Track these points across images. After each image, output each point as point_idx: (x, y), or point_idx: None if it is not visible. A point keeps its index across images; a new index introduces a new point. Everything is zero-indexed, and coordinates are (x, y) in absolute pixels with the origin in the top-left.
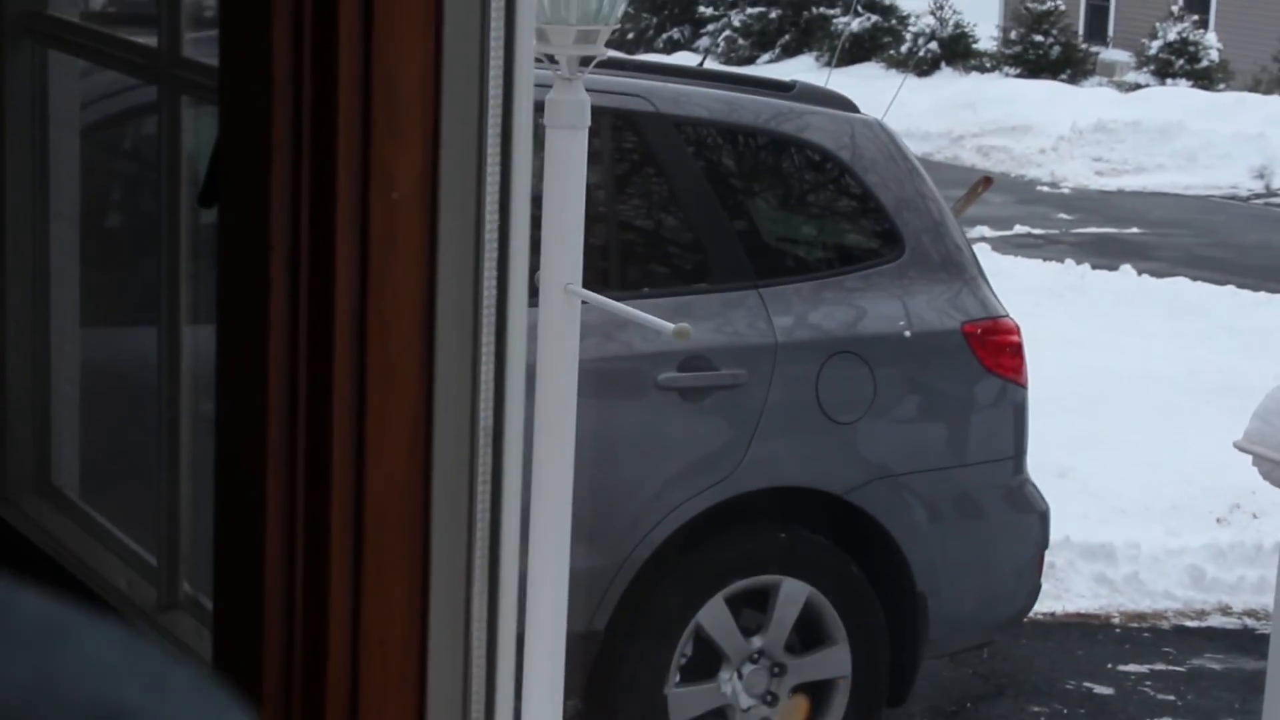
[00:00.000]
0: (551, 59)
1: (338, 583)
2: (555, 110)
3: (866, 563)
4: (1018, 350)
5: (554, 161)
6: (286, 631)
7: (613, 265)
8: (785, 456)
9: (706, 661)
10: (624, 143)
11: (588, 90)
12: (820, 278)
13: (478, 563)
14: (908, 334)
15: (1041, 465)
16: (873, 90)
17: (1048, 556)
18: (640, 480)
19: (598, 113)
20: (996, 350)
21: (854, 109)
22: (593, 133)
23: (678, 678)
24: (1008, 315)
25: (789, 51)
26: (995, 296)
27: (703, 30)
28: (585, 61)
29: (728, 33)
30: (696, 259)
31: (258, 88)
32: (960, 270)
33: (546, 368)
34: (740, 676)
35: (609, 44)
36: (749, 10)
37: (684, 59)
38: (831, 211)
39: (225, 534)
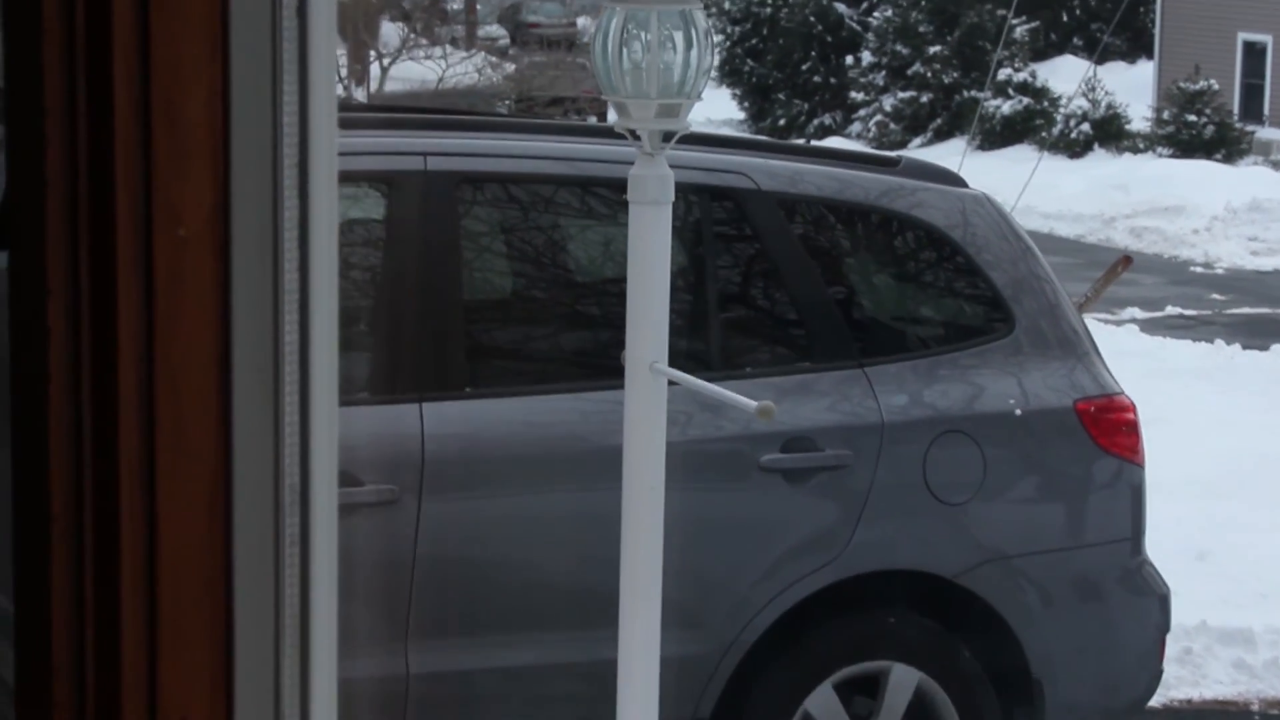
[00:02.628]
0: (634, 134)
1: (130, 654)
2: (638, 185)
3: (980, 648)
4: (1133, 428)
5: (637, 237)
6: (78, 709)
7: (714, 345)
8: (893, 539)
9: None
10: (725, 220)
11: (689, 168)
12: (928, 355)
13: (287, 627)
14: (1019, 412)
15: (1181, 548)
16: (1023, 172)
17: (1185, 642)
18: (744, 564)
19: (698, 190)
20: (1111, 428)
21: (962, 183)
22: (693, 210)
23: None
24: (1123, 393)
25: (940, 135)
26: (1110, 373)
27: (854, 115)
28: (668, 137)
29: (879, 117)
30: (800, 338)
31: (33, 118)
32: (1073, 347)
33: (633, 449)
34: None
35: (762, 130)
36: (900, 95)
37: (837, 144)
38: (940, 289)
39: (18, 604)
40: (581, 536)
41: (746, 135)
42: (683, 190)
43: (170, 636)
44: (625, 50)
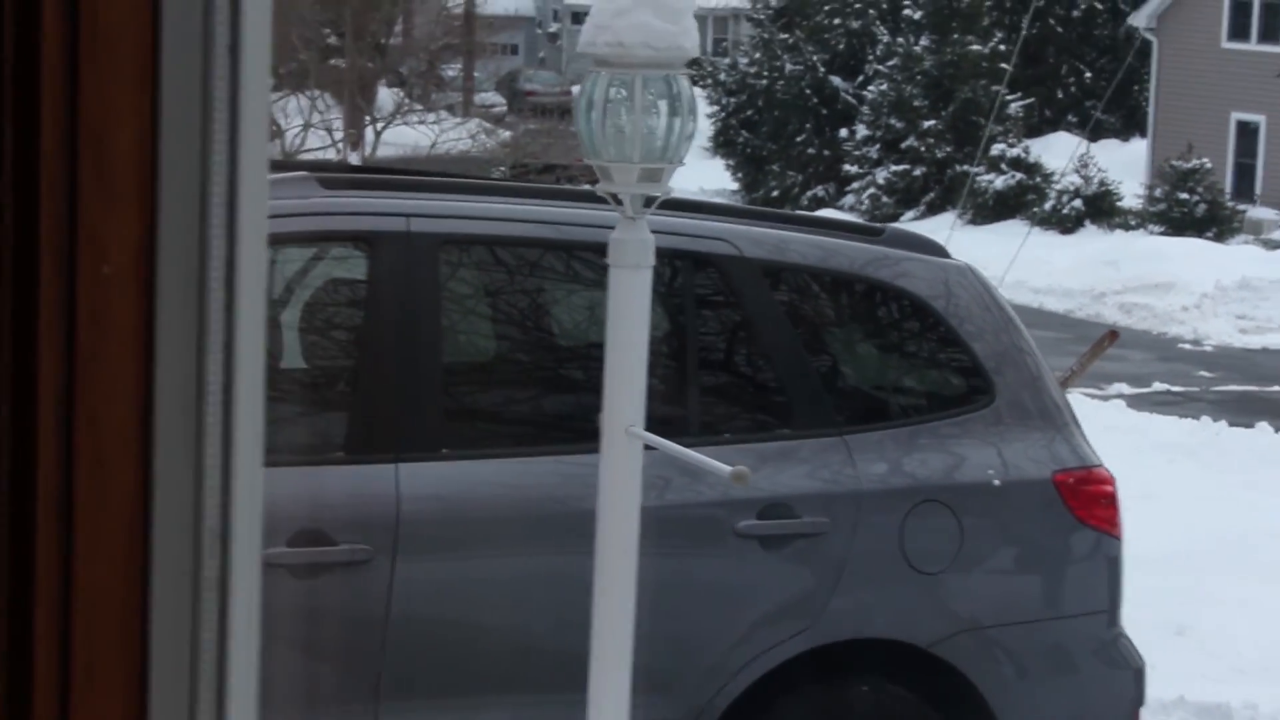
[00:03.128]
0: (616, 198)
1: (42, 699)
2: (618, 250)
3: (954, 718)
4: (1111, 500)
5: (617, 301)
6: None
7: (693, 411)
8: (869, 607)
9: None
10: (707, 286)
11: (673, 234)
12: (908, 424)
13: (204, 674)
14: (997, 483)
15: (1160, 622)
16: (1014, 247)
17: (1162, 717)
18: (718, 630)
19: (681, 256)
20: (1089, 500)
21: (946, 254)
22: (676, 276)
23: None
24: (1102, 465)
25: (933, 209)
26: (1089, 445)
27: (847, 188)
28: (649, 201)
29: (872, 190)
30: (780, 405)
31: None
32: (1053, 418)
33: (607, 512)
34: None
35: (755, 201)
36: (893, 168)
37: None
38: (922, 358)
39: None
40: (556, 599)
41: (731, 203)
42: (666, 256)
43: (84, 681)
44: (609, 115)
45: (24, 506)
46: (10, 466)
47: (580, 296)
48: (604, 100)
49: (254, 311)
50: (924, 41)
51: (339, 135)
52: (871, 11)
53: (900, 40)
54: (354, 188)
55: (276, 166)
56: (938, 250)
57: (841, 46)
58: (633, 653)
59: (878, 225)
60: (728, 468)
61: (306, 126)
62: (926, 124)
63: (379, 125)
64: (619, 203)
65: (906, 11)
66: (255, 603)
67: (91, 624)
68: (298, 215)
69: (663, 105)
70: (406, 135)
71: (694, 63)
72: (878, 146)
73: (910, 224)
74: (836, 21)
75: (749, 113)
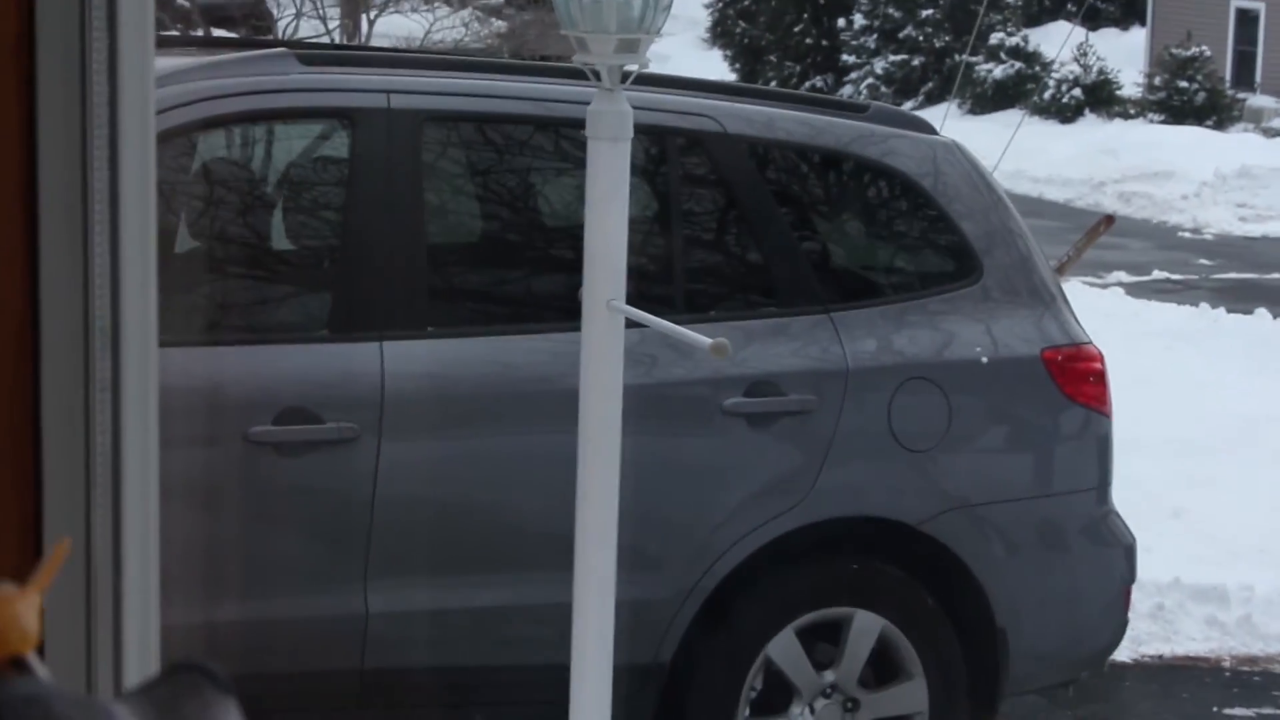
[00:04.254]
0: (595, 72)
1: None
2: (596, 122)
3: (943, 596)
4: (1101, 378)
5: (595, 173)
6: None
7: (678, 289)
8: (857, 485)
9: (778, 695)
10: (691, 163)
11: (656, 110)
12: (894, 302)
13: (98, 476)
14: (984, 360)
15: (1157, 506)
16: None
17: (1157, 598)
18: (706, 508)
19: (664, 132)
20: (1078, 378)
21: (932, 130)
22: (657, 153)
23: (748, 712)
24: (1090, 342)
25: (931, 99)
26: (1078, 323)
27: (845, 78)
28: (628, 74)
29: (870, 80)
30: (765, 283)
31: None
32: (1041, 297)
33: (590, 388)
34: (813, 711)
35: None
36: (891, 58)
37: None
38: (909, 236)
39: None
40: (542, 477)
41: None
42: (649, 132)
43: None
44: None
45: None
46: None
47: (564, 173)
48: None
49: (137, 84)
50: None
51: (334, 24)
52: None
53: None
54: (333, 64)
55: (257, 45)
56: (925, 127)
57: None
58: (620, 532)
59: (862, 102)
60: (707, 340)
61: (299, 15)
62: (925, 13)
63: (373, 14)
64: (596, 75)
65: None
66: (151, 405)
67: None
68: (276, 91)
69: None
70: (399, 25)
71: None
72: (875, 36)
73: None
74: None
75: (746, 2)
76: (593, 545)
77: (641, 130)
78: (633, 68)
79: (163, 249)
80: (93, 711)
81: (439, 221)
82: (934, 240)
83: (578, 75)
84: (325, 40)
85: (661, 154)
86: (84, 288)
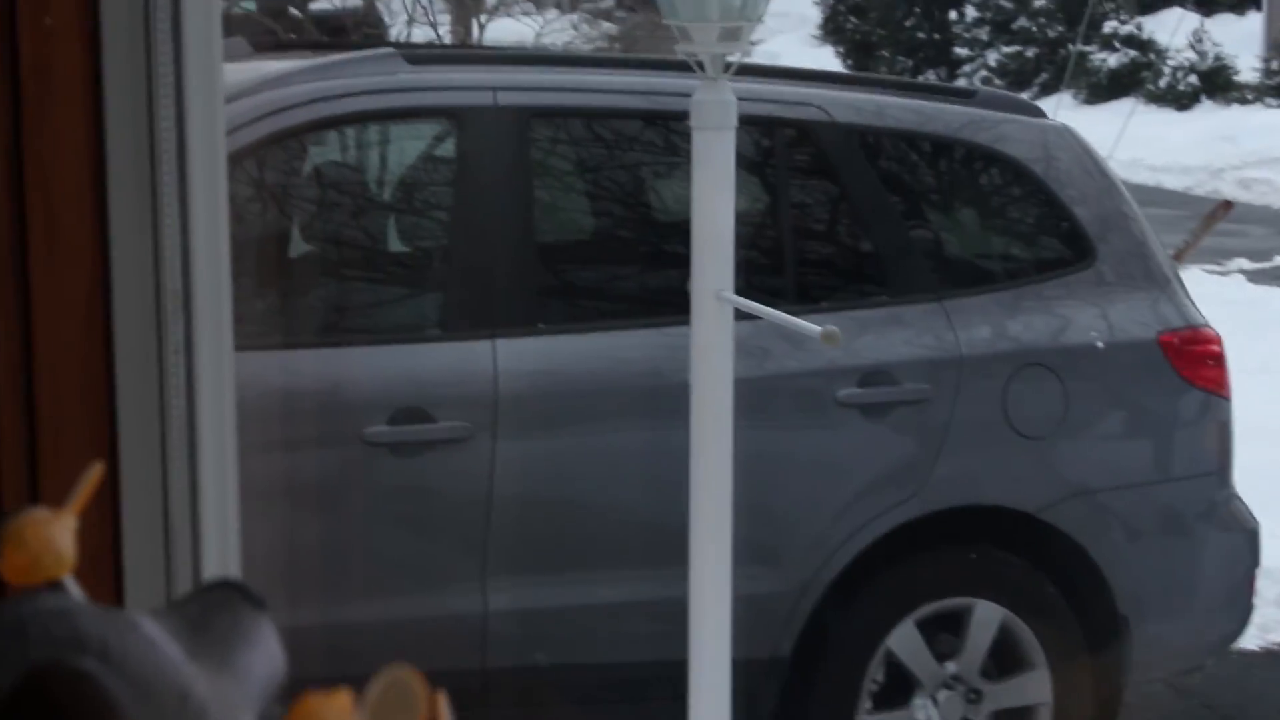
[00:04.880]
0: (699, 62)
1: (9, 467)
2: (700, 111)
3: (1064, 584)
4: (1219, 361)
5: (701, 164)
6: None
7: (789, 280)
8: (974, 474)
9: (899, 688)
10: (799, 153)
11: (762, 101)
12: (1008, 289)
13: (173, 440)
14: (1100, 345)
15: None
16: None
17: None
18: (821, 500)
19: (771, 123)
20: (1195, 361)
21: (1042, 114)
22: (767, 144)
23: (869, 705)
24: (1208, 325)
25: (1046, 90)
26: (1195, 306)
27: (958, 71)
28: (730, 63)
29: (983, 73)
30: (877, 272)
31: None
32: (1156, 279)
33: (700, 379)
34: (935, 703)
35: None
36: (1004, 50)
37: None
38: (1021, 222)
39: None
40: (656, 472)
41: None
42: (757, 123)
43: (50, 448)
44: None
45: None
46: None
47: (672, 166)
48: None
49: (204, 54)
50: None
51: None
52: None
53: None
54: (439, 63)
55: (363, 47)
56: (1034, 111)
57: None
58: (736, 526)
59: (970, 87)
60: (817, 328)
61: (410, 22)
62: (1037, 3)
63: (483, 19)
64: (700, 65)
65: None
66: (226, 368)
67: (56, 389)
68: (383, 91)
69: None
70: (510, 30)
71: None
72: (988, 28)
73: None
74: None
75: None
76: (707, 539)
77: (749, 121)
78: (735, 56)
79: (277, 253)
80: (120, 625)
81: (547, 218)
82: (1047, 226)
83: (683, 68)
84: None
85: (769, 145)
86: (154, 251)
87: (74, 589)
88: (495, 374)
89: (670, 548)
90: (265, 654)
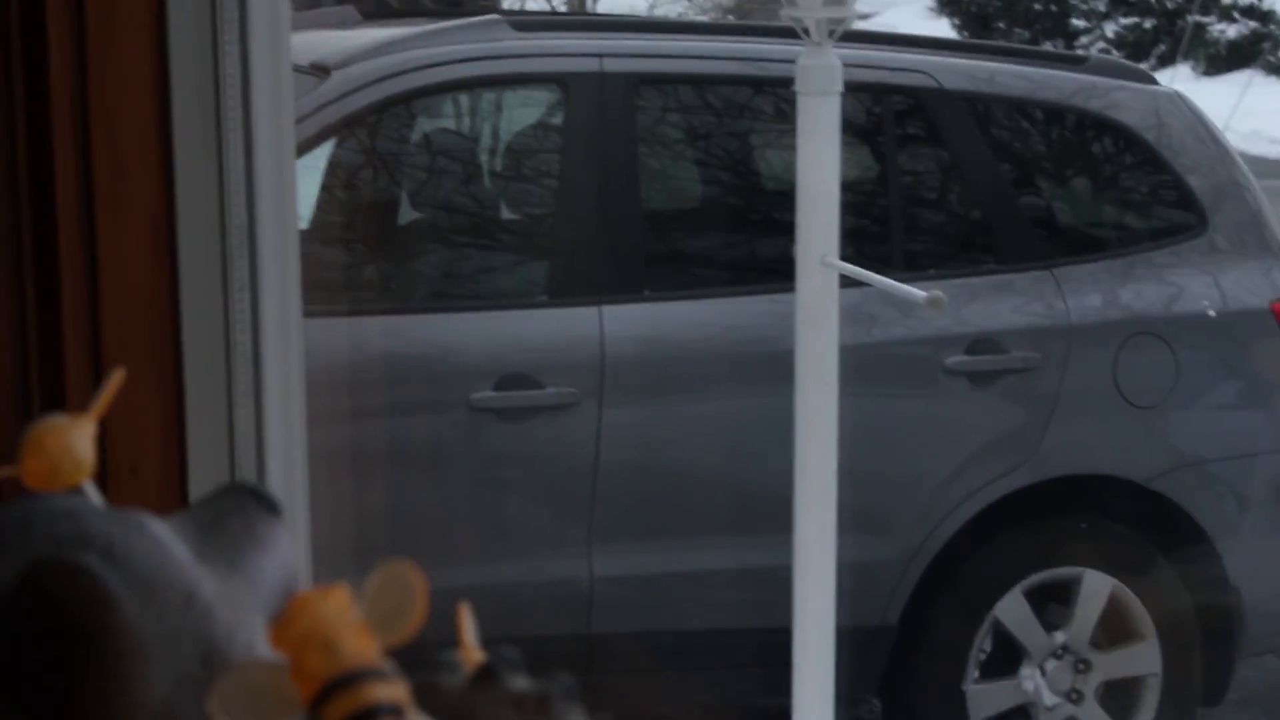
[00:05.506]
0: (802, 26)
1: (77, 398)
2: (805, 76)
3: (1175, 555)
4: None
5: (805, 129)
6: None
7: (897, 247)
8: (1083, 443)
9: (1007, 657)
10: (907, 120)
11: (871, 68)
12: (1119, 257)
13: (239, 373)
14: (1212, 313)
15: None
16: (1250, 98)
17: None
18: (929, 469)
19: (880, 90)
20: None
21: (1154, 81)
22: (872, 111)
23: (976, 674)
24: None
25: (1164, 62)
26: None
27: (1075, 43)
28: (836, 28)
29: (1100, 44)
30: (986, 239)
31: None
32: (1270, 248)
33: (805, 344)
34: (1043, 673)
35: None
36: (1122, 21)
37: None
38: (1132, 190)
39: None
40: (762, 439)
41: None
42: (865, 90)
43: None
44: None
45: (45, 213)
46: (29, 166)
47: (778, 133)
48: None
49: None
50: None
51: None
52: None
53: None
54: (546, 29)
55: (470, 12)
56: (1145, 78)
57: None
58: (844, 493)
59: (1080, 53)
60: (922, 293)
61: None
62: None
63: None
64: (805, 29)
65: None
66: (292, 305)
67: (121, 327)
68: (490, 58)
69: None
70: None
71: None
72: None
73: None
74: None
75: None
76: (812, 506)
77: (859, 89)
78: (841, 20)
79: (386, 220)
80: (127, 524)
81: (654, 184)
82: (1159, 193)
83: (789, 33)
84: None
85: (878, 112)
86: (218, 185)
87: (94, 494)
88: (602, 340)
89: (775, 515)
90: (278, 558)
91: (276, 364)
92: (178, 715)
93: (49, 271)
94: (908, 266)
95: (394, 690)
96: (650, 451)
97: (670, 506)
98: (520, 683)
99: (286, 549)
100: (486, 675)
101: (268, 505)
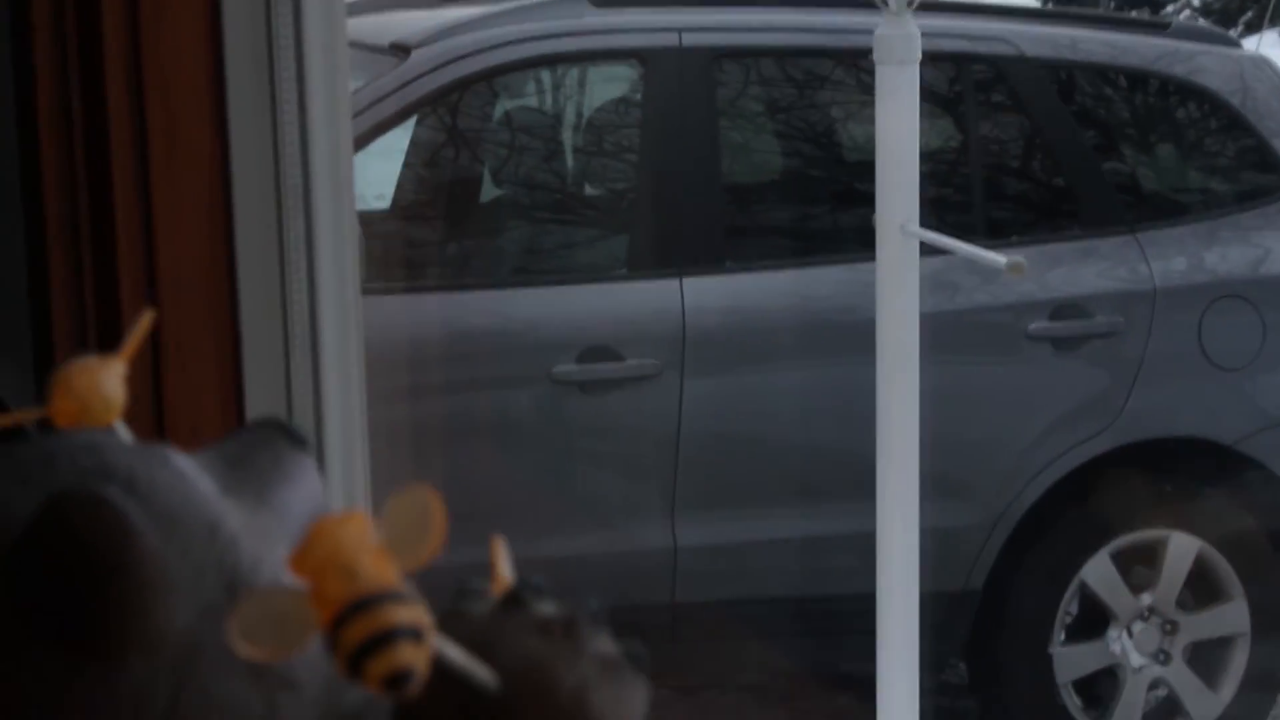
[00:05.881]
0: None
1: (134, 364)
2: (883, 46)
3: (1264, 517)
4: None
5: (884, 98)
6: None
7: (979, 214)
8: (1168, 406)
9: (1093, 620)
10: (988, 88)
11: (951, 36)
12: (1202, 221)
13: (296, 335)
14: None
15: None
16: None
17: None
18: (1013, 434)
19: (961, 59)
20: None
21: (1237, 44)
22: (956, 79)
23: (1063, 636)
24: None
25: (1251, 28)
26: None
27: (1162, 10)
28: None
29: (1187, 12)
30: (1068, 205)
31: None
32: None
33: (886, 311)
34: (1130, 635)
35: None
36: None
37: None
38: (1218, 155)
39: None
40: (845, 408)
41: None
42: (945, 59)
43: (174, 349)
44: None
45: (100, 171)
46: (84, 131)
47: (859, 103)
48: None
49: None
50: None
51: None
52: None
53: None
54: (624, 4)
55: None
56: (1229, 41)
57: None
58: (928, 460)
59: (1164, 19)
60: (1002, 259)
61: None
62: None
63: None
64: (883, 0)
65: None
66: (349, 264)
67: (179, 292)
68: (569, 35)
69: None
70: None
71: None
72: None
73: None
74: None
75: None
76: (894, 473)
77: (940, 58)
78: None
79: (468, 198)
80: (151, 458)
81: (733, 157)
82: (1244, 157)
83: (868, 4)
84: None
85: (958, 80)
86: (273, 145)
87: (124, 434)
88: (682, 312)
89: (858, 483)
90: (305, 491)
91: (334, 332)
92: (202, 644)
93: (105, 245)
94: (991, 234)
95: (413, 613)
96: (731, 422)
97: (752, 476)
98: (546, 608)
99: (314, 483)
100: (512, 601)
101: (296, 440)
